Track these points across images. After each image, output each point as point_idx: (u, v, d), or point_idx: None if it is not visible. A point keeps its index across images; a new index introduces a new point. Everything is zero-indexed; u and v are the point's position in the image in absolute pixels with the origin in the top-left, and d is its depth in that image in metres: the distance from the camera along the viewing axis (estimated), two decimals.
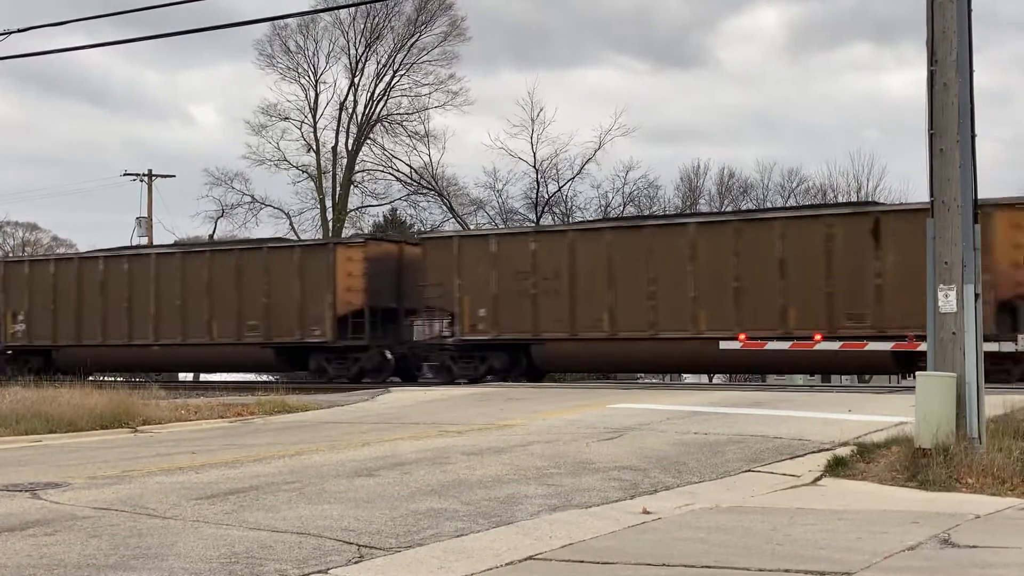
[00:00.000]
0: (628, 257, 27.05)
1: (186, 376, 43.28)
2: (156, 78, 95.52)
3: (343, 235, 50.62)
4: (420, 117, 56.00)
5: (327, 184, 56.89)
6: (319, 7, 51.04)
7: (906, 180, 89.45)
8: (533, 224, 48.81)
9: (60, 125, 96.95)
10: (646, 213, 49.71)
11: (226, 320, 32.12)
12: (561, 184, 53.74)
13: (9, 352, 36.32)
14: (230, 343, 32.22)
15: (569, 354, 28.42)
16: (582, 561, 7.38)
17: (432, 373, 30.77)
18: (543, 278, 27.97)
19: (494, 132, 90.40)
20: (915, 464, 10.89)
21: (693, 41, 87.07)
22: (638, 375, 37.10)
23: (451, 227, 51.50)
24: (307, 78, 56.26)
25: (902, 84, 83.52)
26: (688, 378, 39.93)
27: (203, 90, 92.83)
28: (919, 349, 21.24)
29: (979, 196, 11.70)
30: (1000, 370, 22.38)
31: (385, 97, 56.14)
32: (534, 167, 53.27)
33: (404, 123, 56.17)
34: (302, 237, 52.43)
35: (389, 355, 31.03)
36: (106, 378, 36.22)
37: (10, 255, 57.86)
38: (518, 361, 28.94)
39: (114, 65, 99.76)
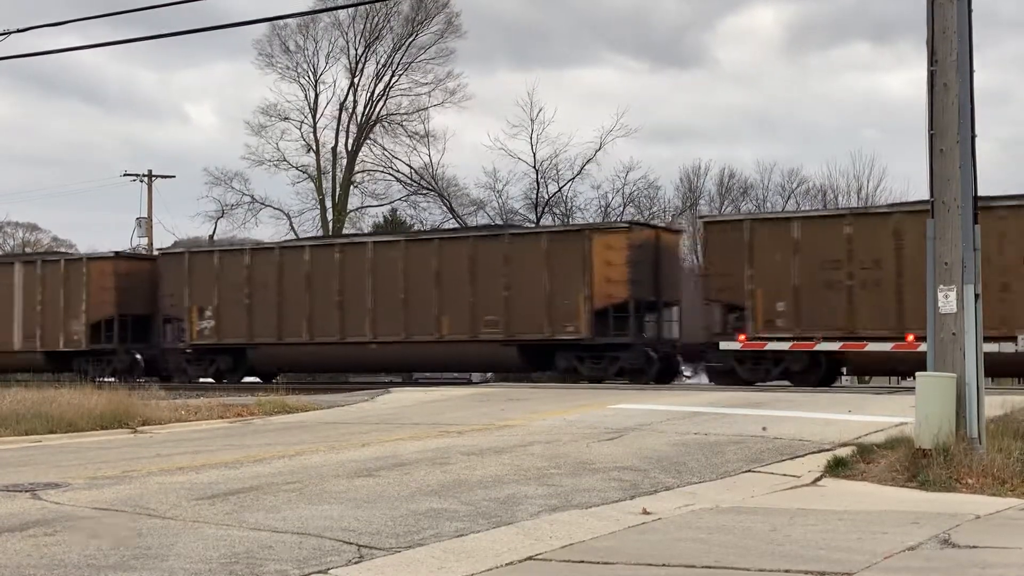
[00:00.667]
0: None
1: None
2: (152, 78, 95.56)
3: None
4: (420, 117, 56.08)
5: (327, 184, 56.90)
6: (319, 7, 51.12)
7: (906, 180, 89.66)
8: (847, 206, 44.09)
9: (59, 125, 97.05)
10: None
11: (459, 315, 29.34)
12: (561, 184, 53.76)
13: (189, 351, 33.58)
14: (463, 340, 29.37)
15: (898, 358, 24.57)
16: (582, 561, 7.38)
17: (709, 376, 27.32)
18: (860, 267, 24.73)
19: (493, 132, 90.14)
20: (915, 464, 10.90)
21: (691, 41, 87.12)
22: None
23: (451, 227, 51.43)
24: (307, 78, 56.28)
25: (901, 84, 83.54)
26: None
27: (200, 90, 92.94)
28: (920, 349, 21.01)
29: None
30: None
31: (385, 97, 56.19)
32: (534, 167, 53.30)
33: (404, 123, 56.24)
34: (301, 238, 52.23)
35: (653, 354, 28.09)
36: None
37: (59, 249, 57.66)
38: (818, 363, 25.70)
39: (111, 65, 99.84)
